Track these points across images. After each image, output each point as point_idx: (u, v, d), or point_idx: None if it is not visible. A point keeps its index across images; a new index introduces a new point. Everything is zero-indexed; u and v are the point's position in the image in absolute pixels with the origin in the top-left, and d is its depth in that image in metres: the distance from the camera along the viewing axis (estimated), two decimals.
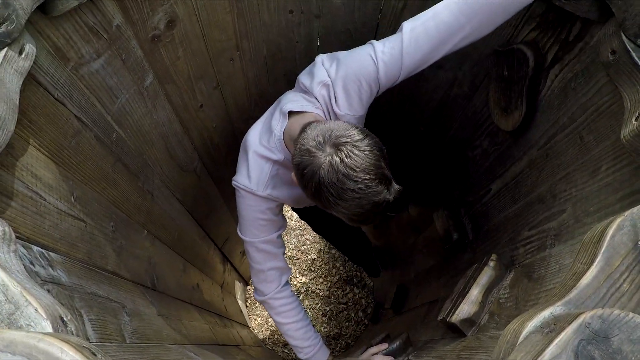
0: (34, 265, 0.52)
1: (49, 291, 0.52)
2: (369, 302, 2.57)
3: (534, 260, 0.75)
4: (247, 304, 2.79)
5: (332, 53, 0.93)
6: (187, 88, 1.05)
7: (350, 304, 2.63)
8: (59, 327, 0.34)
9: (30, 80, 0.59)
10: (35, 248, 0.55)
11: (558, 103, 0.76)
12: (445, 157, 1.33)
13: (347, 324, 2.60)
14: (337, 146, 0.71)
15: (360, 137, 0.72)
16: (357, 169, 0.69)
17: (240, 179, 0.97)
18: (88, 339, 0.54)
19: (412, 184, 1.63)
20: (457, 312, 0.82)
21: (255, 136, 0.98)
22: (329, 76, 0.88)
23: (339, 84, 0.87)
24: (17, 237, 0.52)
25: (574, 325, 0.29)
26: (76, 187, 0.71)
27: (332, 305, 2.66)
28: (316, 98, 0.90)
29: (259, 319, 2.72)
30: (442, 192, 1.41)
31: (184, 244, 1.37)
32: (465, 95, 1.11)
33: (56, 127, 0.65)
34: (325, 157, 0.71)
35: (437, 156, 1.37)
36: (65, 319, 0.36)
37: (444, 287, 1.31)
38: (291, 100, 0.93)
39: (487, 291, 0.83)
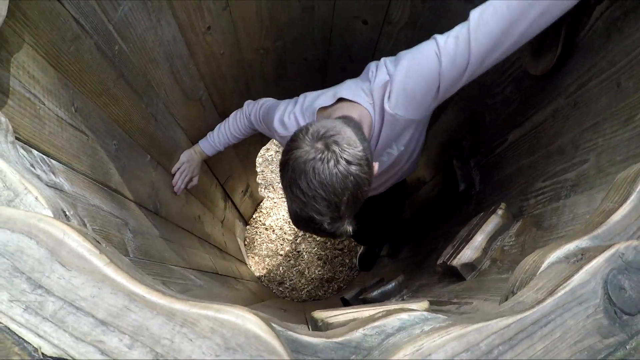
0: (34, 168, 0.50)
1: None
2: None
3: (545, 211, 0.74)
4: (246, 242, 2.87)
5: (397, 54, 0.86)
6: (195, 4, 0.97)
7: (345, 250, 2.70)
8: (61, 219, 0.32)
9: None
10: (35, 152, 0.53)
11: (598, 46, 0.70)
12: (460, 104, 1.27)
13: (340, 268, 2.69)
14: (327, 148, 0.68)
15: (354, 160, 0.68)
16: (318, 177, 0.66)
17: (276, 123, 0.98)
18: None
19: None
20: (458, 256, 0.82)
21: (307, 98, 0.97)
22: (388, 74, 0.83)
23: (396, 80, 0.81)
24: (16, 139, 0.50)
25: (607, 254, 0.28)
26: (77, 97, 0.67)
27: (328, 251, 2.74)
28: (372, 94, 0.84)
29: (256, 258, 2.81)
30: (453, 141, 1.37)
31: None
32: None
33: (53, 27, 0.60)
34: (310, 147, 0.68)
35: (451, 103, 1.31)
36: (67, 213, 0.34)
37: (444, 237, 1.32)
38: (348, 87, 0.89)
39: (492, 239, 0.83)
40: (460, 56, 0.75)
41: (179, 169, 1.22)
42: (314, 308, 1.90)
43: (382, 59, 0.88)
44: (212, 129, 1.39)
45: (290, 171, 0.69)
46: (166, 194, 1.13)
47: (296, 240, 2.81)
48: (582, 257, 0.29)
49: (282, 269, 2.75)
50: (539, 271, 0.31)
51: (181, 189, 1.22)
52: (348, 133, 0.70)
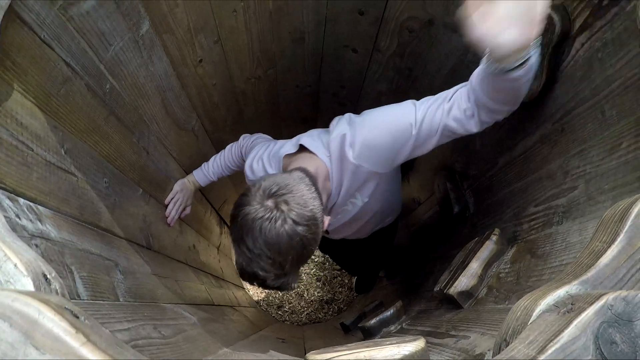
0: (20, 219, 0.49)
1: (36, 246, 0.49)
2: None
3: (539, 237, 0.74)
4: None
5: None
6: (186, 40, 0.98)
7: (344, 270, 2.67)
8: (42, 285, 0.31)
9: (14, 18, 0.53)
10: (21, 200, 0.52)
11: (581, 75, 0.72)
12: None
13: (340, 289, 2.65)
14: (276, 207, 0.70)
15: (302, 220, 0.69)
16: (264, 237, 0.68)
17: (246, 167, 1.04)
18: (79, 296, 0.52)
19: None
20: (455, 285, 0.81)
21: (276, 145, 1.02)
22: (349, 126, 0.86)
23: (361, 133, 0.84)
24: (2, 188, 0.50)
25: (596, 306, 0.27)
26: (66, 139, 0.67)
27: (327, 271, 2.70)
28: (329, 146, 0.87)
29: (251, 285, 2.77)
30: (445, 164, 1.37)
31: None
32: (479, 62, 1.05)
33: (43, 72, 0.61)
34: (259, 205, 0.70)
35: None
36: (48, 276, 0.34)
37: (440, 259, 1.31)
38: (310, 137, 0.92)
39: (487, 265, 0.82)
40: (432, 130, 0.80)
41: (172, 198, 1.21)
42: (314, 333, 1.87)
43: (347, 114, 0.92)
44: (205, 157, 1.39)
45: (239, 227, 0.71)
46: (159, 226, 1.12)
47: None
48: (571, 307, 0.29)
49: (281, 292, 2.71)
50: (530, 320, 0.31)
51: (174, 219, 1.21)
52: (300, 191, 0.72)
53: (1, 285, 0.30)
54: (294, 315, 2.60)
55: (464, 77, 1.12)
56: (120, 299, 0.64)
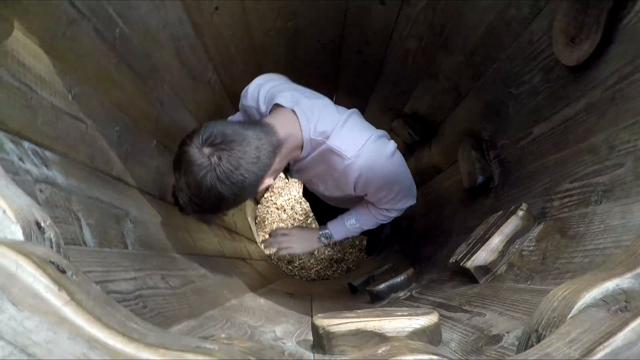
0: (23, 162, 0.47)
1: (41, 191, 0.48)
2: None
3: (571, 216, 0.68)
4: (257, 221, 2.88)
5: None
6: None
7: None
8: (33, 234, 0.29)
9: None
10: (26, 144, 0.50)
11: None
12: (482, 92, 1.19)
13: (350, 250, 2.68)
14: (209, 157, 0.73)
15: (226, 180, 0.73)
16: (188, 178, 0.74)
17: (248, 86, 1.09)
18: (85, 243, 0.51)
19: (438, 115, 1.51)
20: (473, 258, 0.78)
21: (282, 86, 1.03)
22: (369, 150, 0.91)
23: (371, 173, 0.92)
24: (4, 130, 0.47)
25: None
26: (74, 84, 0.64)
27: None
28: (328, 136, 0.90)
29: (267, 236, 2.82)
30: (471, 130, 1.30)
31: None
32: (523, 19, 0.94)
33: (46, 11, 0.56)
34: (197, 149, 0.74)
35: (473, 90, 1.23)
36: (42, 224, 0.32)
37: (456, 230, 1.27)
38: (310, 106, 0.92)
39: (510, 241, 0.78)
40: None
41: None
42: (322, 290, 1.89)
43: (376, 134, 0.97)
44: (222, 112, 1.35)
45: (176, 156, 0.77)
46: (172, 178, 1.10)
47: (307, 220, 2.81)
48: (625, 305, 0.25)
49: None
50: (570, 313, 0.27)
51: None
52: (242, 152, 0.74)
53: None
54: (303, 271, 2.66)
55: (502, 38, 1.02)
56: (129, 248, 0.63)
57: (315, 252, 2.68)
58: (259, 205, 2.92)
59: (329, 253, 2.68)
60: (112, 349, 0.20)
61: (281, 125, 0.85)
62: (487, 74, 1.12)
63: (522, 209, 0.79)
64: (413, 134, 1.69)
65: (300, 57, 1.43)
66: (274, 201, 2.94)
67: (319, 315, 0.57)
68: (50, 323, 0.20)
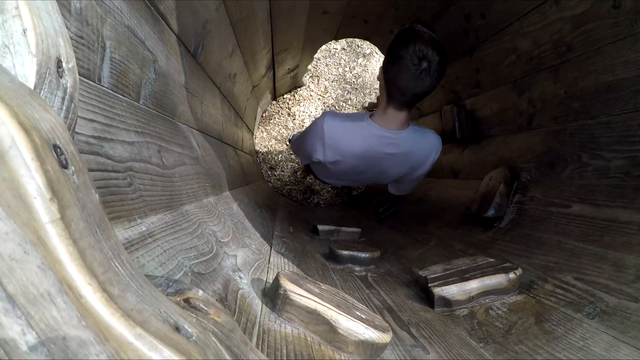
0: None
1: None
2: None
3: (556, 310, 0.66)
4: (264, 115, 2.81)
5: None
6: None
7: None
8: (47, 77, 0.23)
9: None
10: None
11: None
12: (553, 136, 1.10)
13: (332, 192, 2.72)
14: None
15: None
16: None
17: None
18: (100, 81, 0.44)
19: (494, 129, 1.41)
20: (443, 287, 0.77)
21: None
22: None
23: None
24: None
25: None
26: None
27: None
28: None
29: (264, 134, 2.78)
30: (514, 163, 1.22)
31: (246, 28, 1.20)
32: None
33: None
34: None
35: (546, 129, 1.13)
36: (64, 64, 0.25)
37: (438, 240, 1.26)
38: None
39: (484, 294, 0.76)
40: None
41: None
42: (287, 212, 1.90)
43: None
44: None
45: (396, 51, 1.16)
46: (213, 38, 1.00)
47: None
48: None
49: (281, 157, 2.75)
50: None
51: None
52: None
53: None
54: (278, 182, 2.69)
55: (621, 101, 0.89)
56: (140, 102, 0.57)
57: (298, 173, 2.68)
58: (274, 102, 2.82)
59: (310, 181, 2.69)
60: (84, 302, 0.16)
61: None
62: (573, 123, 1.02)
63: (515, 273, 0.77)
64: (457, 128, 1.59)
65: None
66: (289, 105, 2.85)
67: (286, 272, 0.55)
68: (25, 238, 0.15)
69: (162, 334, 0.17)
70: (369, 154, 1.34)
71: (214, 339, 0.21)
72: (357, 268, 1.09)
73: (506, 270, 0.78)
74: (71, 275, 0.16)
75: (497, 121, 1.37)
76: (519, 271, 0.78)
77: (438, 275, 0.84)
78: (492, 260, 0.86)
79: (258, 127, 2.83)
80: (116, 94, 0.48)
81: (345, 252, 1.10)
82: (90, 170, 0.33)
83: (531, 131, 1.18)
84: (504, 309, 0.72)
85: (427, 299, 0.82)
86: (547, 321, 0.65)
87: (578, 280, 0.71)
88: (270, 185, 2.65)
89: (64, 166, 0.18)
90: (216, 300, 0.40)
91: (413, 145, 1.34)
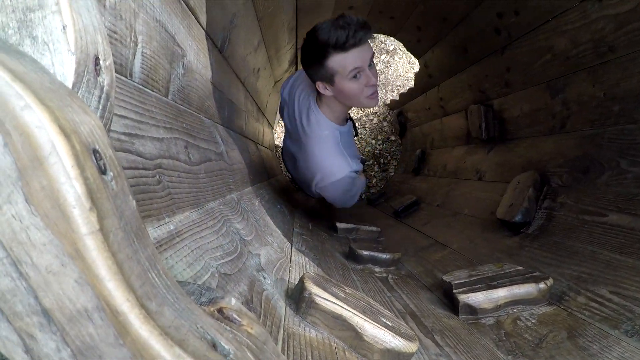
0: None
1: None
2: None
3: (591, 326, 0.63)
4: None
5: None
6: None
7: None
8: (85, 75, 0.22)
9: None
10: None
11: None
12: (588, 140, 1.04)
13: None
14: None
15: None
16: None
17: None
18: (131, 76, 0.44)
19: (523, 131, 1.36)
20: (469, 294, 0.74)
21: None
22: None
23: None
24: None
25: None
26: None
27: None
28: None
29: (284, 128, 2.78)
30: (543, 166, 1.17)
31: (271, 22, 1.19)
32: None
33: None
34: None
35: (580, 132, 1.08)
36: (102, 62, 0.24)
37: (462, 243, 1.23)
38: None
39: (513, 303, 0.74)
40: None
41: None
42: (304, 210, 1.89)
43: None
44: None
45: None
46: (240, 33, 0.99)
47: None
48: None
49: None
50: None
51: None
52: None
53: (36, 47, 0.20)
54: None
55: None
56: (169, 97, 0.56)
57: None
58: None
59: None
60: (121, 322, 0.15)
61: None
62: (611, 128, 0.97)
63: (545, 283, 0.74)
64: (484, 128, 1.54)
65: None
66: None
67: (311, 274, 0.53)
68: (63, 250, 0.15)
69: (200, 354, 0.16)
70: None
71: (249, 354, 0.20)
72: (377, 269, 1.07)
73: (536, 280, 0.75)
74: (109, 291, 0.15)
75: (528, 122, 1.32)
76: (549, 281, 0.75)
77: (463, 281, 0.81)
78: (521, 268, 0.83)
79: (278, 123, 2.83)
80: (146, 89, 0.48)
81: (365, 253, 1.08)
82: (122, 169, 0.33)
83: (564, 134, 1.13)
84: (533, 320, 0.69)
85: (451, 304, 0.79)
86: (580, 336, 0.62)
87: (614, 294, 0.67)
88: (289, 178, 2.66)
89: (103, 172, 0.17)
90: (242, 303, 0.39)
91: None
